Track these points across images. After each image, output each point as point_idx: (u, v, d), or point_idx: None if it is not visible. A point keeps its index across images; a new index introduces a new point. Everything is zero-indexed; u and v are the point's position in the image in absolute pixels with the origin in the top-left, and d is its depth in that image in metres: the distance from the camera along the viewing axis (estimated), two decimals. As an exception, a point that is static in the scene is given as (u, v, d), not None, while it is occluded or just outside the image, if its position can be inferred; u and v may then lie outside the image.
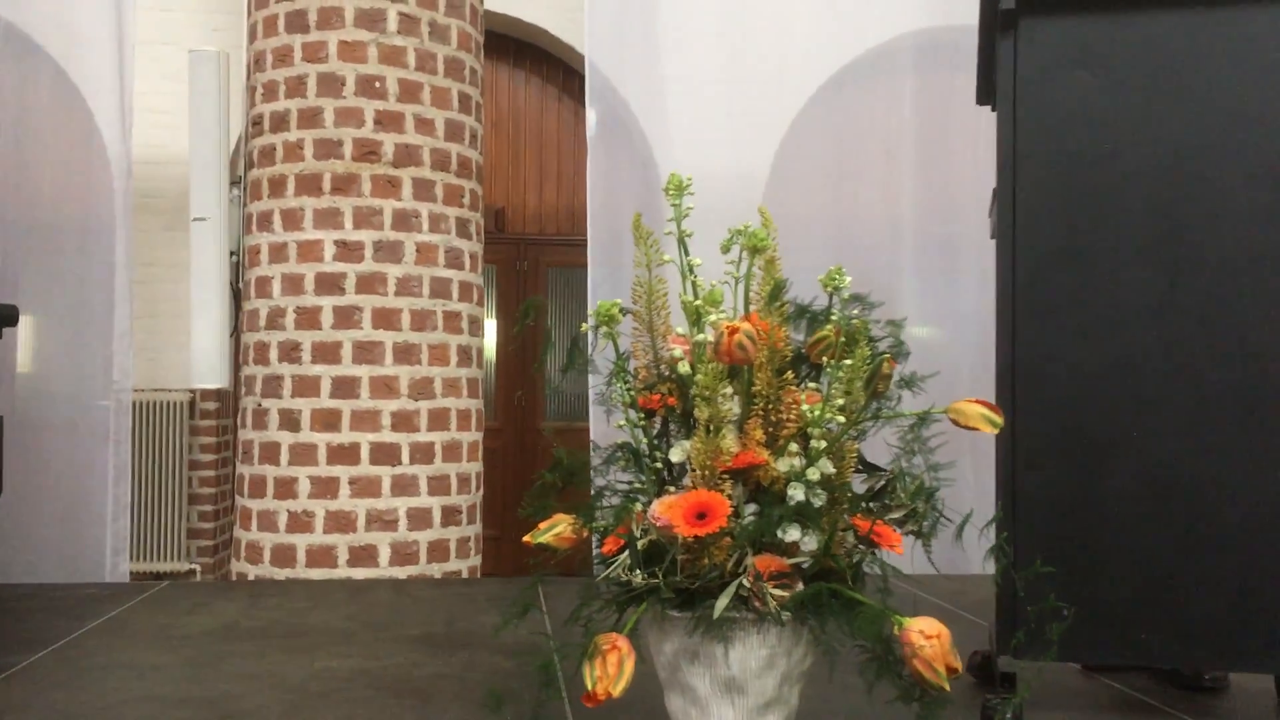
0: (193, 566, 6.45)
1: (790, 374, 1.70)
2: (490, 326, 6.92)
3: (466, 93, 3.69)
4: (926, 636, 1.57)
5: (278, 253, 3.50)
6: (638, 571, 1.65)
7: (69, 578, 3.63)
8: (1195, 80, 1.88)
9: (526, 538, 1.74)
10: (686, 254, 1.74)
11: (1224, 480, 1.83)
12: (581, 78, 5.01)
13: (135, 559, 4.30)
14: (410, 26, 3.51)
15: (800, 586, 1.62)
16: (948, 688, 1.57)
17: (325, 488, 3.45)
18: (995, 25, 1.96)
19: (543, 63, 7.30)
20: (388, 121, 3.49)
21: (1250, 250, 1.85)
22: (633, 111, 5.17)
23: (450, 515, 3.59)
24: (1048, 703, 2.07)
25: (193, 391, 6.53)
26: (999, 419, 1.76)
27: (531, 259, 7.14)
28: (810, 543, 1.63)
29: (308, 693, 2.13)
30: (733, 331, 1.61)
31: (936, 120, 5.10)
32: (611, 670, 1.56)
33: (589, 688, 1.56)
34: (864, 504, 1.70)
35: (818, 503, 1.63)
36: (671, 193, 1.71)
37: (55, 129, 4.29)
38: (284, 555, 3.46)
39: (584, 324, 1.73)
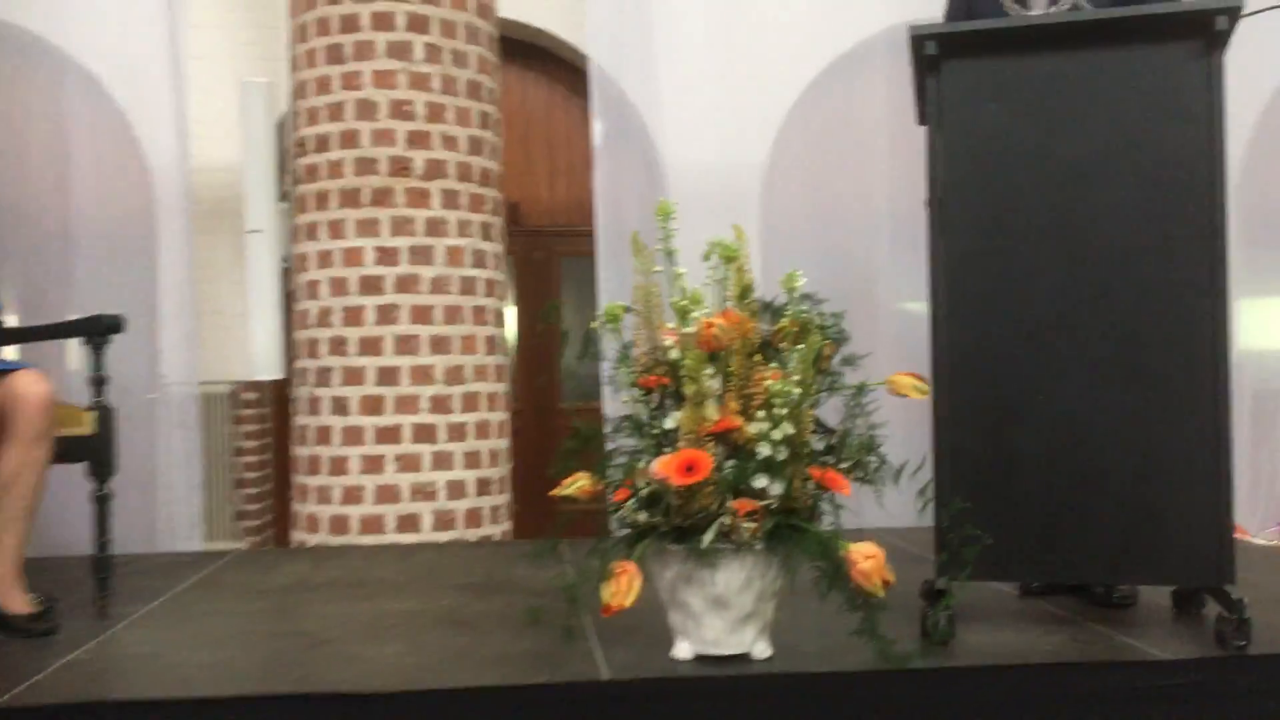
0: (239, 546, 6.93)
1: (759, 356, 2.16)
2: (510, 314, 7.36)
3: (486, 110, 4.14)
4: (865, 556, 2.04)
5: (324, 259, 3.97)
6: (642, 513, 2.11)
7: (148, 550, 4.11)
8: (1082, 107, 2.31)
9: (554, 491, 2.21)
10: (674, 265, 2.19)
11: (1108, 431, 2.28)
12: (585, 78, 5.40)
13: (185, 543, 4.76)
14: (434, 55, 3.96)
15: (769, 522, 2.09)
16: (882, 594, 2.03)
17: (373, 464, 3.92)
18: (924, 65, 2.40)
19: (550, 63, 7.67)
20: (417, 140, 3.94)
21: (1129, 244, 2.29)
22: (636, 110, 5.55)
23: (483, 486, 4.06)
24: (985, 619, 2.52)
25: (234, 384, 6.99)
26: (925, 387, 2.23)
27: (545, 249, 7.56)
28: (776, 488, 2.09)
29: (376, 626, 2.60)
30: (709, 325, 2.07)
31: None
32: (623, 587, 2.03)
33: (606, 601, 2.03)
34: (819, 457, 2.16)
35: (781, 457, 2.09)
36: (659, 218, 2.16)
37: (99, 146, 4.73)
38: (339, 524, 3.94)
39: (593, 322, 2.19)
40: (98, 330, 2.82)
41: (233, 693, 2.08)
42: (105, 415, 2.79)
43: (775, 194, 6.19)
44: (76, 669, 2.26)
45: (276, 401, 7.16)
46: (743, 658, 2.16)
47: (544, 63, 7.72)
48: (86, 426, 2.75)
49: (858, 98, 5.71)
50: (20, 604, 2.54)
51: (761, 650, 2.18)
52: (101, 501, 2.81)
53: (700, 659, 2.16)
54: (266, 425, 7.26)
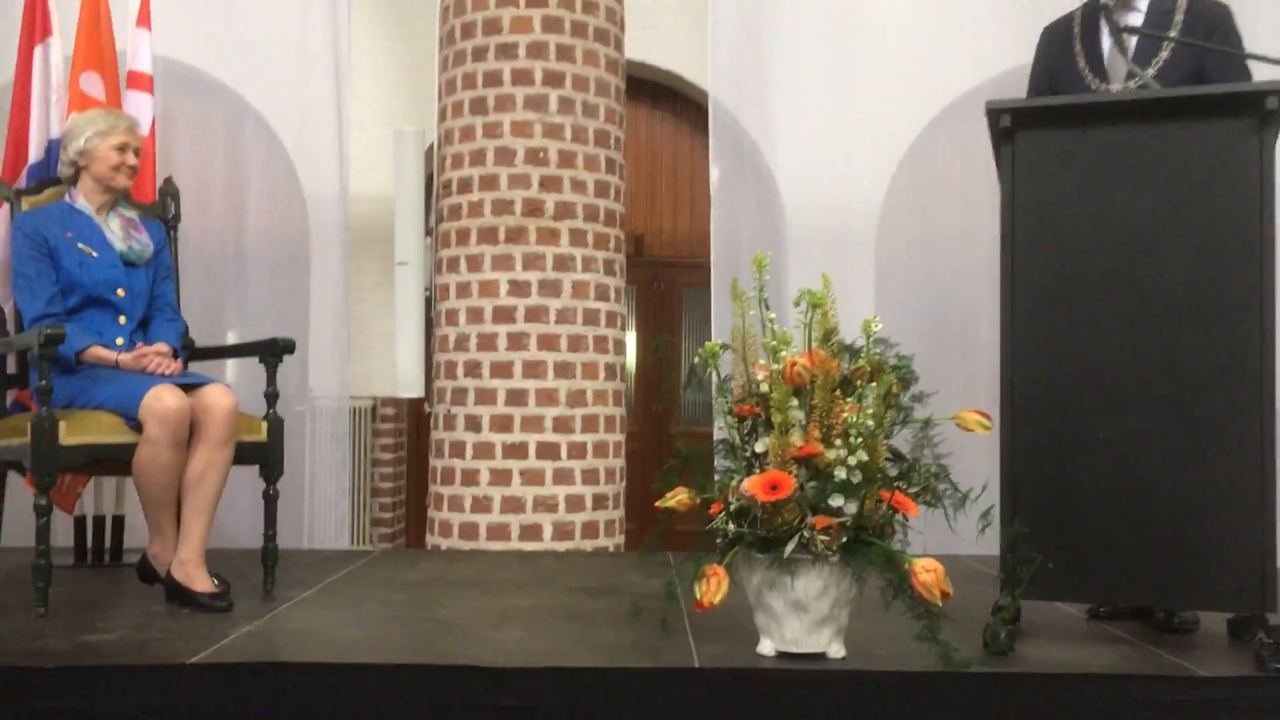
0: (382, 546, 7.43)
1: (838, 392, 2.46)
2: (631, 340, 7.74)
3: (612, 157, 4.53)
4: (926, 569, 2.33)
5: (463, 290, 4.41)
6: (732, 524, 2.44)
7: (299, 547, 4.57)
8: (1143, 176, 2.56)
9: (657, 502, 2.55)
10: (768, 309, 2.51)
11: (1160, 466, 2.51)
12: (708, 114, 5.71)
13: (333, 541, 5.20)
14: (567, 107, 4.37)
15: (844, 537, 2.39)
16: (940, 604, 2.31)
17: (501, 477, 4.32)
18: (999, 135, 2.69)
19: (676, 102, 8.03)
20: (549, 184, 4.35)
21: (1182, 300, 2.52)
22: (756, 148, 5.83)
23: (599, 501, 4.43)
24: (1050, 637, 2.76)
25: (374, 399, 7.51)
26: (989, 423, 2.51)
27: (667, 280, 7.92)
28: (851, 507, 2.39)
29: (501, 617, 2.97)
30: (793, 364, 2.39)
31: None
32: (713, 587, 2.35)
33: (698, 598, 2.36)
34: (890, 481, 2.45)
35: (856, 480, 2.38)
36: (755, 269, 2.49)
37: (267, 180, 5.25)
38: (469, 531, 4.35)
39: (696, 358, 2.53)
40: (273, 351, 3.28)
41: (382, 660, 2.47)
42: (276, 424, 3.24)
43: (889, 231, 6.34)
44: (254, 637, 2.68)
45: (412, 418, 7.68)
46: (819, 656, 2.45)
47: (670, 101, 8.06)
48: (261, 434, 3.19)
49: (966, 142, 5.87)
50: (204, 583, 2.98)
51: (836, 650, 2.47)
52: (270, 500, 3.26)
53: (781, 655, 2.46)
54: (401, 439, 7.77)
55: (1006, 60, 5.63)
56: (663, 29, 7.31)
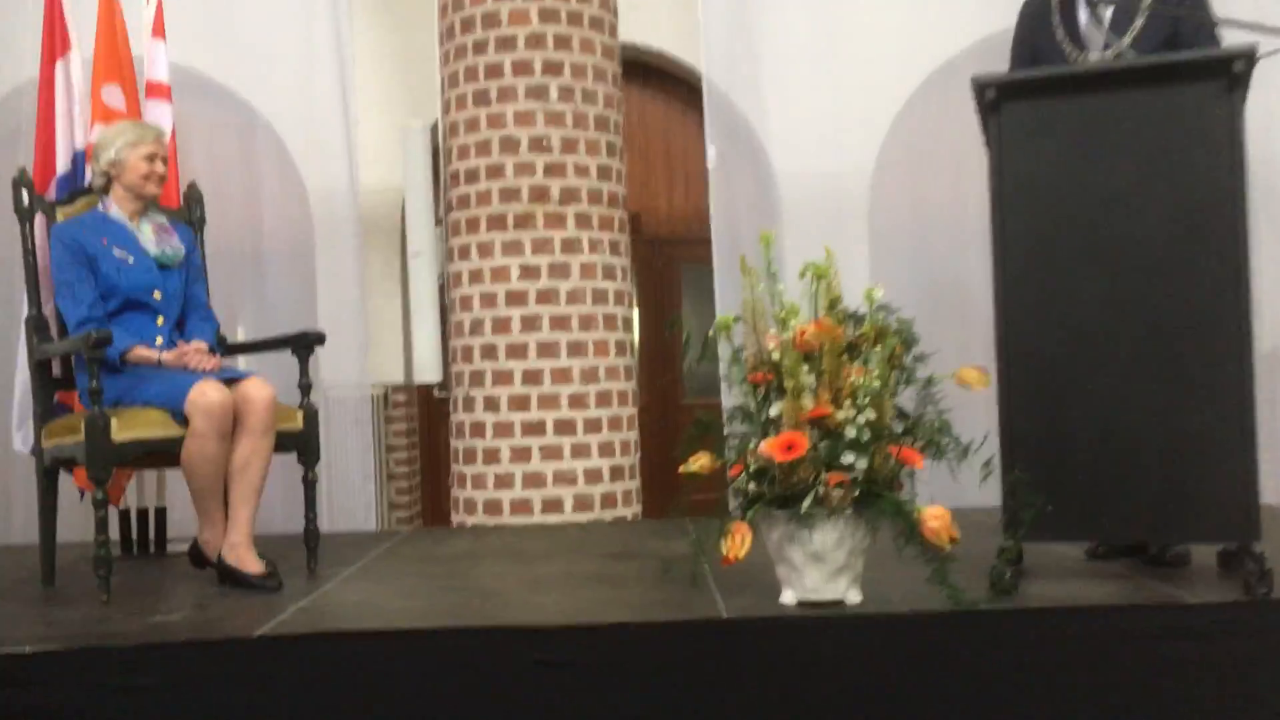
0: (406, 529, 7.59)
1: (845, 356, 2.64)
2: (634, 318, 7.89)
3: (612, 141, 4.69)
4: (934, 516, 2.51)
5: (475, 276, 4.57)
6: (752, 484, 2.62)
7: (328, 530, 4.74)
8: (1121, 140, 2.73)
9: (680, 468, 2.73)
10: (776, 283, 2.68)
11: (1146, 412, 2.69)
12: (699, 93, 5.81)
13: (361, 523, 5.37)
14: (567, 95, 4.53)
15: (856, 491, 2.57)
16: (948, 547, 2.50)
17: (521, 455, 4.51)
18: (985, 108, 2.85)
19: (667, 81, 8.12)
20: (554, 170, 4.51)
21: (1162, 256, 2.70)
22: (748, 122, 5.97)
23: (616, 473, 4.62)
24: (1051, 576, 2.95)
25: (385, 387, 7.67)
26: (987, 379, 2.69)
27: (665, 257, 8.07)
28: (861, 463, 2.57)
29: (535, 584, 3.16)
30: (802, 332, 2.57)
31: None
32: (738, 542, 2.54)
33: (724, 553, 2.54)
34: (897, 437, 2.63)
35: (865, 438, 2.56)
36: (762, 246, 2.66)
37: (278, 180, 5.40)
38: (493, 507, 4.53)
39: (710, 332, 2.71)
40: (305, 344, 3.46)
41: (430, 626, 2.66)
42: (311, 414, 3.41)
43: (881, 199, 6.47)
44: (308, 611, 2.86)
45: (422, 404, 7.85)
46: (837, 603, 2.64)
47: (661, 81, 8.16)
48: (297, 423, 3.37)
49: (953, 108, 6.00)
50: (254, 564, 3.16)
51: (853, 597, 2.66)
52: (309, 484, 3.44)
53: (803, 604, 2.65)
54: (414, 424, 7.94)
55: (988, 26, 5.72)
56: (649, 9, 7.40)
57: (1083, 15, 3.13)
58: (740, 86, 5.69)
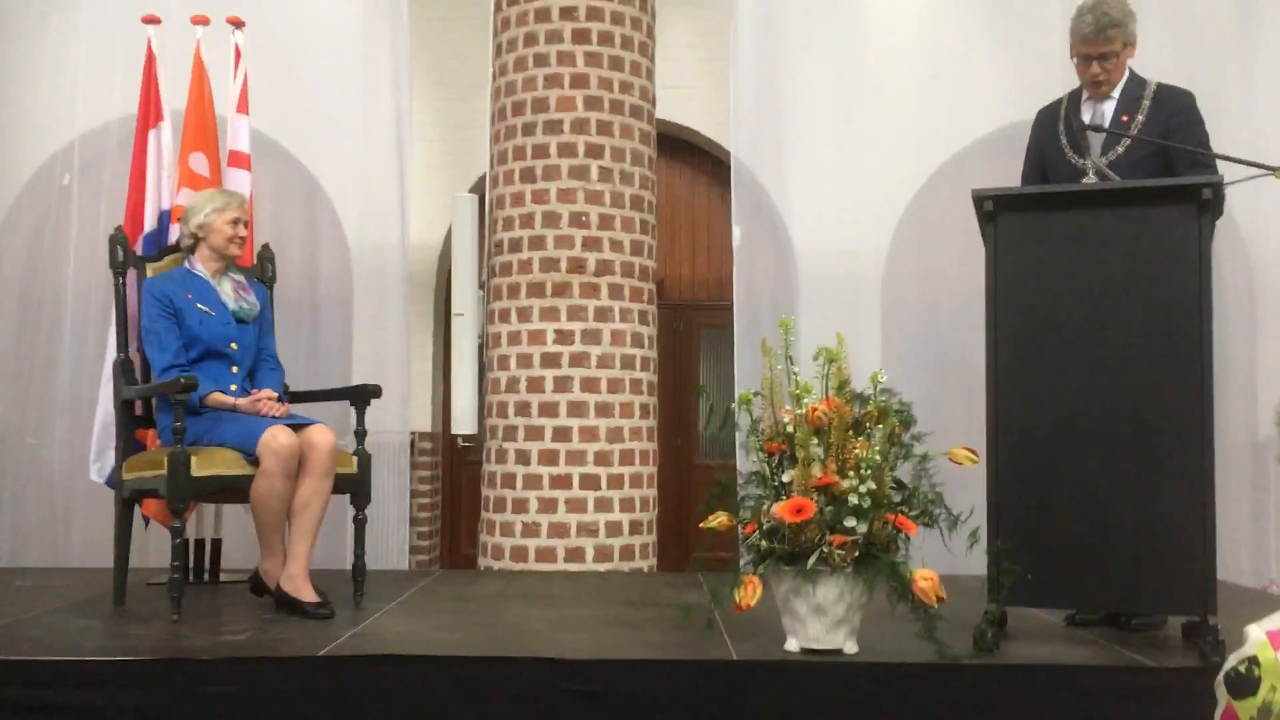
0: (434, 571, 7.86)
1: (851, 432, 2.98)
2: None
3: (645, 219, 5.08)
4: (924, 577, 2.83)
5: (513, 338, 4.94)
6: (764, 541, 2.95)
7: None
8: (1104, 250, 3.08)
9: (701, 524, 3.06)
10: (792, 364, 3.03)
11: (1121, 493, 3.01)
12: (727, 169, 6.14)
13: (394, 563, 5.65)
14: (606, 176, 4.92)
15: (856, 552, 2.89)
16: (935, 605, 2.82)
17: (548, 506, 4.84)
18: (984, 217, 3.21)
19: (694, 155, 8.52)
20: (591, 244, 4.89)
21: (1138, 353, 3.03)
22: (771, 198, 6.33)
23: (635, 527, 4.94)
24: (1031, 639, 3.26)
25: (412, 434, 8.01)
26: (976, 458, 3.02)
27: (686, 321, 8.41)
28: (862, 527, 2.89)
29: (562, 623, 3.48)
30: (814, 409, 2.92)
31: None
32: (749, 592, 2.86)
33: (737, 601, 2.87)
34: (895, 506, 2.96)
35: (866, 505, 2.89)
36: (781, 331, 3.01)
37: (314, 233, 5.80)
38: (519, 553, 4.86)
39: (731, 404, 3.05)
40: (363, 396, 3.82)
41: (472, 654, 2.98)
42: (364, 459, 3.76)
43: (894, 278, 6.79)
44: (360, 638, 3.19)
45: (446, 452, 8.18)
46: (836, 651, 2.94)
47: (688, 154, 8.53)
48: (352, 467, 3.71)
49: (963, 197, 6.33)
50: (310, 595, 3.49)
51: (850, 647, 2.97)
52: (359, 524, 3.78)
53: (805, 651, 2.96)
54: (437, 472, 8.27)
55: (1002, 118, 6.10)
56: (682, 90, 7.80)
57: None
58: (765, 166, 6.03)
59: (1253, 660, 1.19)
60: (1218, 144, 3.44)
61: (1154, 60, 4.29)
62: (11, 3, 5.65)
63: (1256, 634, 1.20)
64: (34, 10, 5.63)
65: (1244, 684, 1.19)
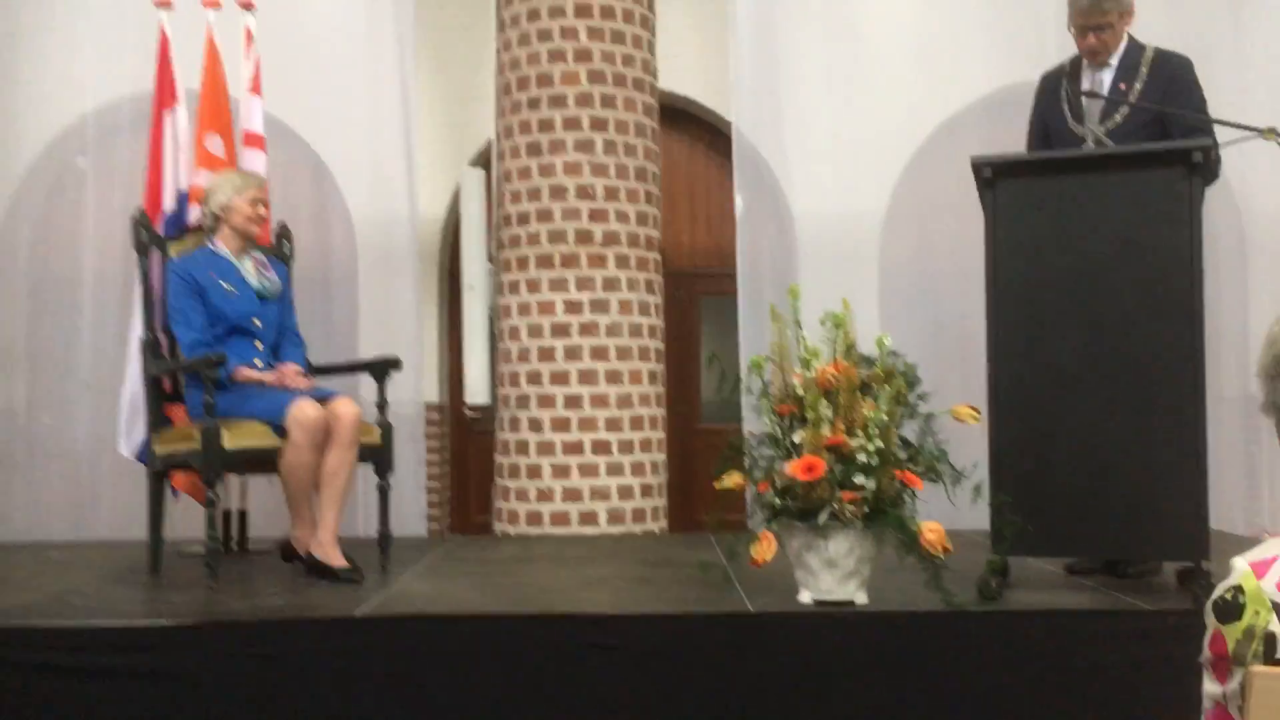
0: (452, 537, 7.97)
1: (859, 393, 3.11)
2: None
3: (649, 190, 5.19)
4: (930, 529, 2.98)
5: (523, 309, 5.06)
6: (777, 499, 3.08)
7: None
8: (1099, 214, 3.20)
9: (716, 484, 3.19)
10: (800, 328, 3.16)
11: (1115, 446, 3.15)
12: (724, 137, 6.19)
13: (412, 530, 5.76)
14: (611, 149, 5.02)
15: (865, 507, 3.03)
16: (942, 556, 2.96)
17: (561, 472, 4.98)
18: (982, 184, 3.33)
19: (692, 124, 8.57)
20: (597, 216, 5.01)
21: (1131, 312, 3.17)
22: (770, 167, 6.40)
23: (646, 490, 5.08)
24: (1033, 587, 3.40)
25: (420, 404, 8.12)
26: (978, 415, 3.15)
27: (686, 289, 8.49)
28: (870, 484, 3.03)
29: (583, 582, 3.62)
30: (823, 372, 3.05)
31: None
32: (764, 546, 3.00)
33: (752, 556, 3.01)
34: (901, 463, 3.10)
35: (874, 463, 3.03)
36: (790, 298, 3.14)
37: (314, 206, 5.90)
38: (534, 518, 5.00)
39: (747, 368, 3.18)
40: (383, 368, 3.94)
41: (498, 611, 3.13)
42: (387, 429, 3.88)
43: (891, 242, 6.90)
44: (392, 599, 3.33)
45: (453, 422, 8.31)
46: (848, 602, 3.09)
47: (686, 124, 8.57)
48: (375, 437, 3.84)
49: (960, 160, 6.44)
50: (340, 560, 3.63)
51: (861, 598, 3.11)
52: (383, 491, 3.91)
53: (818, 603, 3.10)
54: (445, 441, 8.40)
55: (996, 80, 6.17)
56: (679, 59, 7.85)
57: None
58: (764, 135, 6.10)
59: (1238, 589, 1.31)
60: (1210, 107, 3.55)
61: (1146, 23, 4.40)
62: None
63: (1241, 565, 1.33)
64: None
65: (1229, 609, 1.32)
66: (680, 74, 7.85)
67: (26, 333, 5.66)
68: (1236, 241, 5.44)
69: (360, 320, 5.87)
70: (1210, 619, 1.36)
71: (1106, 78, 3.57)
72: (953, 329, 6.04)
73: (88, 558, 4.28)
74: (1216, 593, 1.35)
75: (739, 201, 5.39)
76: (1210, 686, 1.38)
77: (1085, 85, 3.58)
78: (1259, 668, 1.27)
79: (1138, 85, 3.52)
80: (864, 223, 6.62)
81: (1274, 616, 1.27)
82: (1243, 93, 4.97)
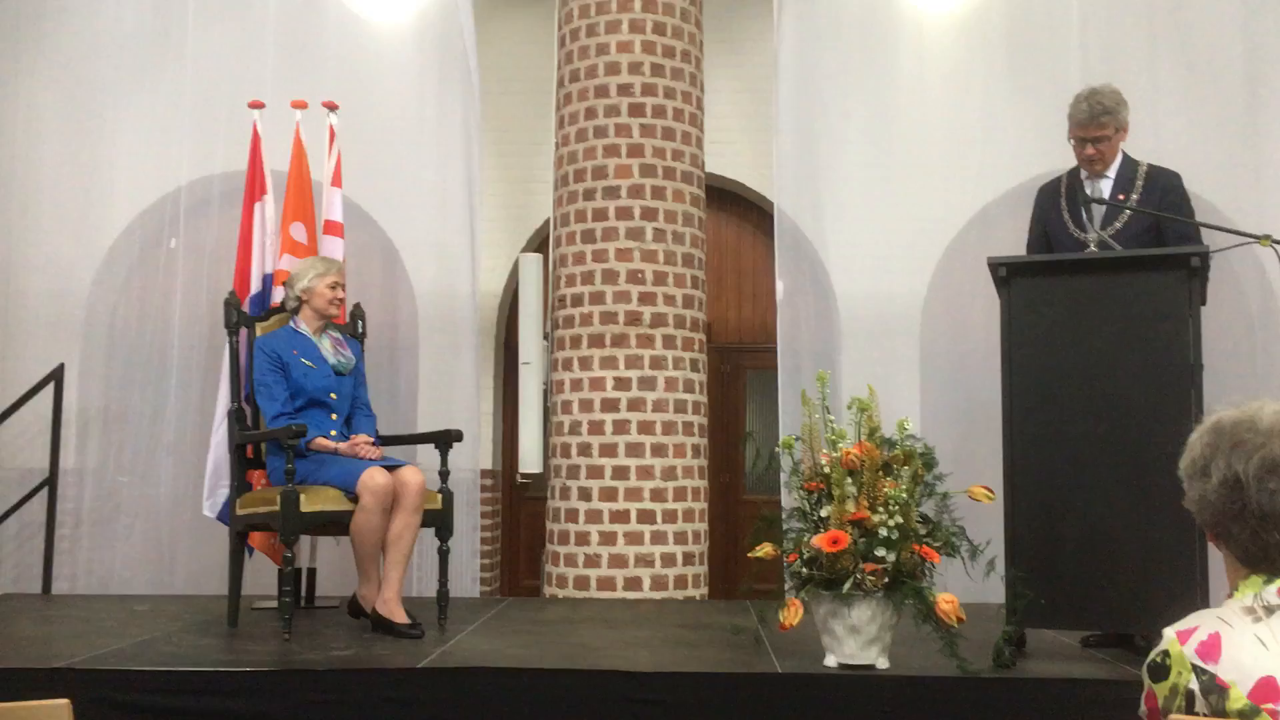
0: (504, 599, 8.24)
1: (881, 472, 3.40)
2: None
3: (696, 275, 5.54)
4: (946, 601, 3.24)
5: (575, 385, 5.41)
6: (805, 569, 3.36)
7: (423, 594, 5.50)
8: (1105, 310, 3.48)
9: (749, 554, 3.48)
10: (829, 413, 3.46)
11: (1122, 525, 3.40)
12: (768, 217, 6.44)
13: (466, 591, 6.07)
14: (660, 236, 5.39)
15: (886, 578, 3.30)
16: (956, 625, 3.22)
17: (608, 539, 5.28)
18: (998, 281, 3.63)
19: (740, 205, 8.93)
20: (646, 299, 5.36)
21: (1135, 400, 3.43)
22: (813, 247, 6.71)
23: (688, 558, 5.36)
24: (1048, 658, 3.63)
25: (476, 471, 8.45)
26: (992, 495, 3.42)
27: (733, 364, 8.80)
28: (891, 556, 3.30)
29: (627, 643, 3.90)
30: (848, 453, 3.34)
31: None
32: (792, 612, 3.28)
33: (781, 621, 3.28)
34: (920, 538, 3.37)
35: (895, 537, 3.30)
36: (819, 383, 3.44)
37: (383, 285, 6.31)
38: (581, 582, 5.29)
39: (776, 449, 3.48)
40: (446, 440, 4.28)
41: (550, 666, 3.42)
42: (448, 496, 4.21)
43: (931, 323, 7.11)
44: (449, 654, 3.63)
45: (506, 488, 8.64)
46: (869, 666, 3.34)
47: (734, 204, 8.92)
48: (438, 504, 4.17)
49: (993, 243, 6.69)
50: (403, 617, 3.94)
51: (882, 662, 3.37)
52: (443, 555, 4.23)
53: (842, 666, 3.36)
54: (498, 507, 8.72)
55: (1026, 171, 6.40)
56: (729, 144, 8.23)
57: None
58: (806, 217, 6.39)
59: (1165, 653, 1.59)
60: (1226, 212, 3.85)
61: (1171, 139, 4.72)
62: (122, 62, 6.16)
63: (1169, 633, 1.60)
64: (140, 73, 6.16)
65: (1159, 670, 1.60)
66: (729, 158, 8.22)
67: (118, 397, 6.05)
68: (1245, 331, 5.66)
69: (420, 390, 6.25)
70: (1145, 678, 1.63)
71: (1105, 188, 3.88)
72: (989, 405, 6.24)
73: (169, 610, 4.63)
74: (1150, 657, 1.62)
75: (780, 286, 5.71)
76: (1146, 735, 1.64)
77: (1088, 193, 3.89)
78: (1178, 716, 1.54)
79: (1134, 196, 3.82)
80: (903, 304, 6.81)
81: (1193, 677, 1.54)
82: (1259, 205, 5.24)
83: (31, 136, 6.18)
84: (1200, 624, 1.58)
